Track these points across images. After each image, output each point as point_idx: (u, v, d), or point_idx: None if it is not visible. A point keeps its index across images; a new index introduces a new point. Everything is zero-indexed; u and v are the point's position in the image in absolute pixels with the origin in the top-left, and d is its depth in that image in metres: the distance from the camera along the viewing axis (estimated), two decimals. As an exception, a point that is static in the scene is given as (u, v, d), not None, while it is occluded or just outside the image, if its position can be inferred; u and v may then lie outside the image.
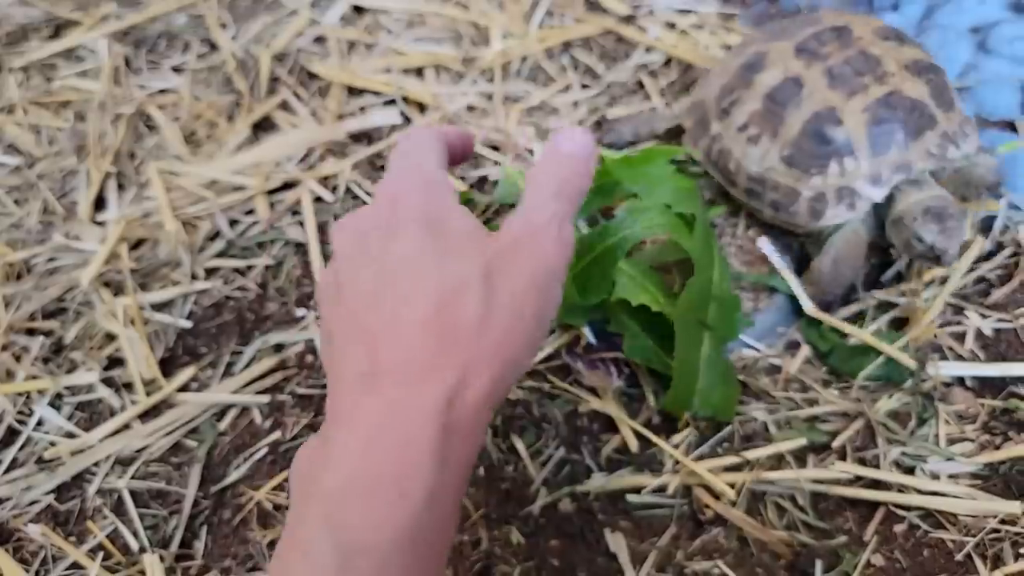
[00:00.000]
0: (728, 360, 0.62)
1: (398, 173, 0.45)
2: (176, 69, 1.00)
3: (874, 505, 0.58)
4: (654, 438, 0.61)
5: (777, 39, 0.72)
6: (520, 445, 0.63)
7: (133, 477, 0.66)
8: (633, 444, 0.63)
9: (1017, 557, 0.53)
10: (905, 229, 0.64)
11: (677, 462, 0.60)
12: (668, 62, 0.93)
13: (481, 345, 0.38)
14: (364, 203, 0.84)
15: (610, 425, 0.64)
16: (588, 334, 0.66)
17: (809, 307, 0.66)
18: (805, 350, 0.66)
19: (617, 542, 0.58)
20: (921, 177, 0.65)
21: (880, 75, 0.66)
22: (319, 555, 0.35)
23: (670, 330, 0.59)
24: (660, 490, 0.60)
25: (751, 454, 0.60)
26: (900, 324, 0.68)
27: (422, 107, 0.91)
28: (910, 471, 0.59)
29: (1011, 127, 0.75)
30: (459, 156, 0.52)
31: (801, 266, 0.72)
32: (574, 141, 0.47)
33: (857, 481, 0.58)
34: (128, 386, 0.72)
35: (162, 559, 0.61)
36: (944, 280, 0.69)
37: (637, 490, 0.60)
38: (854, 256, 0.66)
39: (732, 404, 0.61)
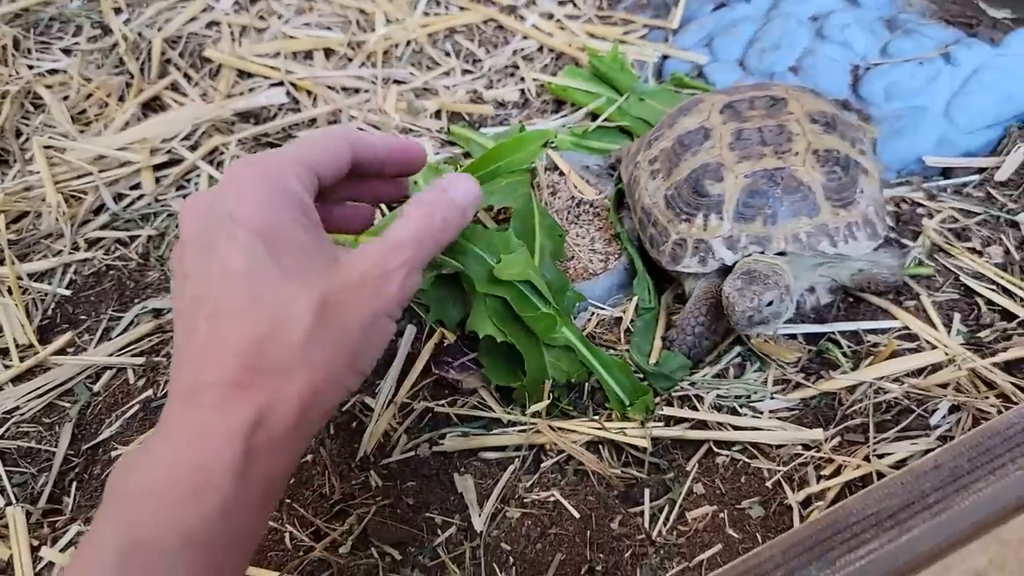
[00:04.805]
0: None
1: (253, 165, 0.45)
2: (66, 51, 1.01)
3: (701, 442, 0.63)
4: (531, 419, 0.65)
5: (722, 93, 0.73)
6: (370, 400, 0.67)
7: (2, 437, 0.67)
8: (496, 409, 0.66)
9: (819, 479, 0.59)
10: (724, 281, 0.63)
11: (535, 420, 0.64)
12: (541, 49, 0.98)
13: (296, 374, 0.41)
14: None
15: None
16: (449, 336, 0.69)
17: None
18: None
19: (464, 483, 0.62)
20: (791, 254, 0.64)
21: (782, 151, 0.65)
22: (101, 551, 0.37)
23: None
24: (516, 448, 0.64)
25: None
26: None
27: (309, 92, 0.95)
28: (734, 412, 0.64)
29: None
30: (385, 165, 0.52)
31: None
32: (463, 190, 0.49)
33: (685, 422, 0.63)
34: (3, 352, 0.73)
35: (29, 514, 0.62)
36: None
37: (492, 448, 0.64)
38: (706, 309, 0.66)
39: (579, 366, 0.65)
